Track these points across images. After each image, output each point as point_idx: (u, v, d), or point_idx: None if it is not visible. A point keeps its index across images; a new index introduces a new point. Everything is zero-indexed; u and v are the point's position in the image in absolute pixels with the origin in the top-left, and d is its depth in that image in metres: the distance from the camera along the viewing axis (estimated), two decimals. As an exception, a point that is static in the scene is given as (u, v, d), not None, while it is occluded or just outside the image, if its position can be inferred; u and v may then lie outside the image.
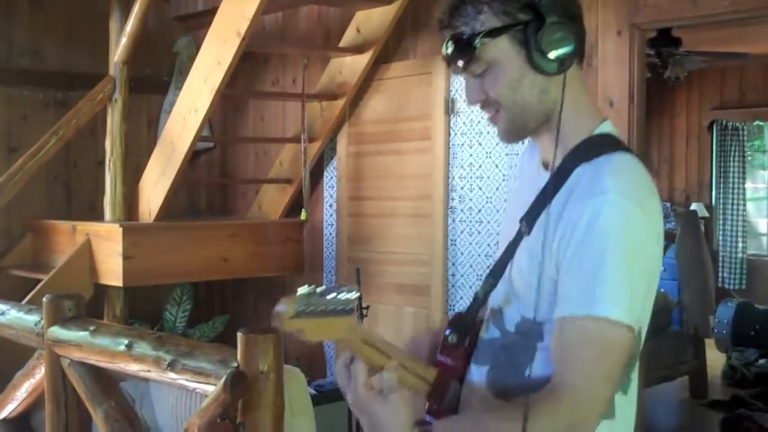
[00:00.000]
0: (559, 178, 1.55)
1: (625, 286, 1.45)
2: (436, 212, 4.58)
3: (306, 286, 1.33)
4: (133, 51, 4.62)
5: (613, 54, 3.97)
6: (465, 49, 1.54)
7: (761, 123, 9.00)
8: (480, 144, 4.42)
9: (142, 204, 4.73)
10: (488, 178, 4.40)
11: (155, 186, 4.66)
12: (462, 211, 4.51)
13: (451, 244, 4.55)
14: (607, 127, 1.62)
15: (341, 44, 4.92)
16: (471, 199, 4.47)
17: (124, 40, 4.57)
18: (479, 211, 4.44)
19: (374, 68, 4.87)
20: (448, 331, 1.68)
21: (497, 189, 4.36)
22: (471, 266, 4.47)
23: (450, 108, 4.52)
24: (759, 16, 4.04)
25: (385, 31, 4.68)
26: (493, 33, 1.52)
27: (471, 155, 4.46)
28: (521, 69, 1.54)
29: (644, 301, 1.51)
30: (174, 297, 5.48)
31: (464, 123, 4.49)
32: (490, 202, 4.39)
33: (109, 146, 4.71)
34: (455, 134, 4.53)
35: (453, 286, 4.55)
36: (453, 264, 4.55)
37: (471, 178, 4.47)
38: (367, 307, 4.24)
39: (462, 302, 4.50)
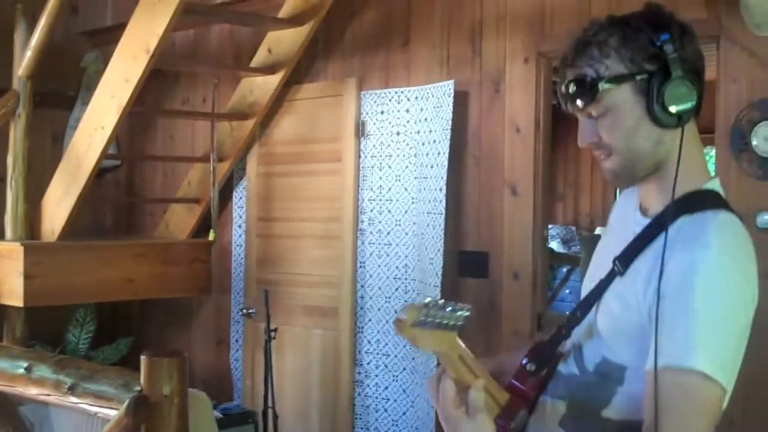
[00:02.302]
0: (658, 224, 1.54)
1: (721, 344, 1.43)
2: (346, 234, 4.59)
3: (430, 297, 1.35)
4: (39, 65, 4.51)
5: (520, 81, 4.05)
6: (587, 92, 1.54)
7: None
8: (390, 167, 4.45)
9: (44, 222, 4.62)
10: (397, 200, 4.43)
11: (59, 204, 4.55)
12: (371, 233, 4.53)
13: (360, 266, 4.57)
14: (715, 185, 1.60)
15: (252, 64, 4.91)
16: (380, 222, 4.50)
17: (29, 53, 4.47)
18: (388, 233, 4.46)
19: (285, 89, 4.86)
20: (525, 360, 1.67)
21: (406, 212, 4.39)
22: (380, 288, 4.49)
23: (360, 130, 4.55)
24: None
25: (297, 52, 4.69)
26: (617, 79, 1.52)
27: (380, 178, 4.49)
28: (639, 118, 1.54)
29: (735, 364, 1.47)
30: (77, 318, 5.37)
31: (374, 146, 4.51)
32: (399, 224, 4.42)
33: (11, 162, 4.58)
34: (365, 157, 4.55)
35: (361, 308, 4.56)
36: (362, 286, 4.56)
37: (380, 200, 4.50)
38: (275, 330, 4.22)
39: (371, 324, 4.51)
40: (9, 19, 4.61)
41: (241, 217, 5.21)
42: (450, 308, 1.35)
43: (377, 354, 4.50)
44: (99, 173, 4.79)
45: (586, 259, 6.63)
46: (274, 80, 4.79)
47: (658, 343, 1.43)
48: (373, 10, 4.62)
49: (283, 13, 4.65)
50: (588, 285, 1.68)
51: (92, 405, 2.55)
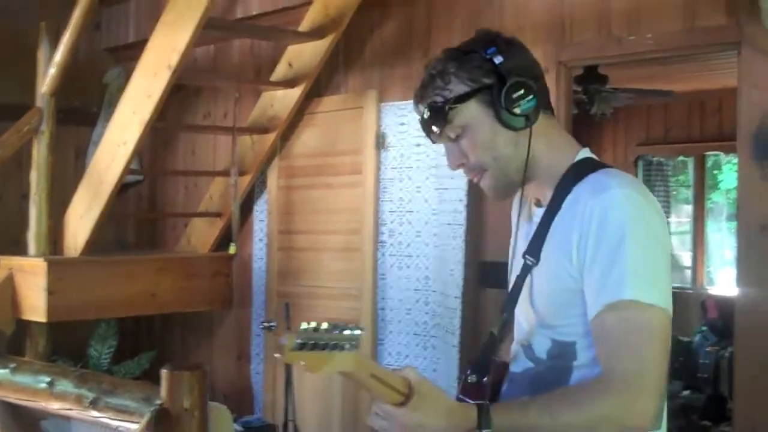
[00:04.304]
0: (555, 203, 1.68)
1: (648, 268, 1.53)
2: (366, 246, 4.59)
3: (309, 323, 1.35)
4: (62, 82, 4.55)
5: (541, 91, 4.03)
6: (438, 116, 1.68)
7: (685, 158, 9.20)
8: (410, 179, 4.45)
9: (67, 238, 4.64)
10: (418, 212, 4.42)
11: (81, 219, 4.58)
12: (392, 245, 4.52)
13: (381, 279, 4.56)
14: (585, 153, 1.74)
15: (273, 78, 4.92)
16: (400, 233, 4.49)
17: (52, 70, 4.50)
18: (408, 245, 4.45)
19: (305, 102, 4.88)
20: (468, 371, 1.74)
21: (426, 223, 4.38)
22: (400, 300, 4.48)
23: (380, 142, 4.55)
24: (681, 54, 4.16)
25: (317, 66, 4.70)
26: (462, 98, 1.67)
27: (401, 190, 4.49)
28: (493, 128, 1.67)
29: (667, 284, 1.58)
30: (99, 333, 5.39)
31: (394, 158, 4.51)
32: (420, 236, 4.41)
33: (34, 178, 4.61)
34: (385, 169, 4.55)
35: (382, 320, 4.55)
36: (383, 298, 4.55)
37: (401, 212, 4.49)
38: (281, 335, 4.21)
39: (392, 336, 4.50)
40: (33, 38, 4.65)
41: (262, 230, 5.22)
42: (338, 330, 1.34)
43: (398, 365, 4.48)
44: (121, 188, 4.82)
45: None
46: (294, 93, 4.80)
47: (592, 290, 1.54)
48: (394, 22, 4.62)
49: (303, 27, 4.66)
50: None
51: (113, 419, 2.55)
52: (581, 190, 1.63)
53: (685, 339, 7.82)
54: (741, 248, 3.43)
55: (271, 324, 4.45)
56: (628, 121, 9.02)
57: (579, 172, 1.67)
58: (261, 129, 4.99)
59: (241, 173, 4.99)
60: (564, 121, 4.02)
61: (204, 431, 2.38)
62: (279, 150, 5.06)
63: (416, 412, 1.46)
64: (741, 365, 3.41)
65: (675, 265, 9.14)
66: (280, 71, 4.89)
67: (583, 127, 7.68)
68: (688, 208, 9.39)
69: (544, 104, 1.70)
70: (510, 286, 1.76)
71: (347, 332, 1.35)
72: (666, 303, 1.53)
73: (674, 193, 9.35)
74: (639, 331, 1.50)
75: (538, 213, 1.73)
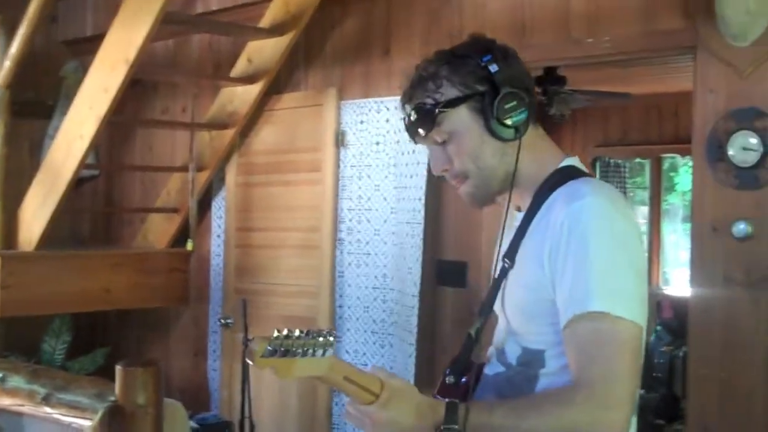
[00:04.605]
0: (533, 208, 1.67)
1: (618, 280, 1.51)
2: (325, 244, 4.58)
3: (280, 329, 1.37)
4: (17, 74, 4.49)
5: (500, 91, 4.04)
6: (426, 118, 1.66)
7: (642, 160, 9.30)
8: (369, 176, 4.45)
9: (22, 232, 4.58)
10: (377, 210, 4.43)
11: (36, 213, 4.52)
12: (350, 243, 4.52)
13: (339, 276, 4.56)
14: (570, 161, 1.73)
15: (232, 74, 4.90)
16: (359, 231, 4.49)
17: (7, 63, 4.44)
18: (367, 243, 4.46)
19: (265, 99, 4.86)
20: (447, 371, 1.75)
21: (385, 221, 4.39)
22: (358, 298, 4.48)
23: (340, 140, 4.55)
24: (639, 58, 4.20)
25: (277, 62, 4.68)
26: (452, 103, 1.65)
27: (360, 188, 4.49)
28: (481, 137, 1.66)
29: (640, 297, 1.54)
30: (53, 328, 5.33)
31: (354, 155, 4.51)
32: (378, 234, 4.41)
33: (-12, 171, 4.56)
34: (345, 166, 4.55)
35: (340, 317, 4.55)
36: (340, 296, 4.55)
37: (360, 210, 4.49)
38: (252, 339, 4.19)
39: (349, 334, 4.50)
40: (-13, 28, 4.60)
41: (220, 227, 5.19)
42: (311, 336, 1.37)
43: (356, 363, 4.46)
44: (77, 183, 4.77)
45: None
46: (254, 90, 4.78)
47: (563, 300, 1.53)
48: (354, 20, 4.62)
49: (263, 23, 4.64)
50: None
51: (66, 415, 2.53)
52: (558, 197, 1.63)
53: (641, 340, 7.91)
54: (694, 249, 3.47)
55: (228, 321, 4.43)
56: (586, 123, 9.10)
57: (559, 179, 1.67)
58: (220, 125, 4.96)
59: (199, 169, 4.96)
60: (522, 121, 4.04)
61: (159, 428, 2.37)
62: (238, 146, 5.04)
63: (386, 408, 1.48)
64: (694, 365, 3.46)
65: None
66: (239, 67, 4.86)
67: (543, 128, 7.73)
68: (645, 210, 9.49)
69: (533, 117, 1.69)
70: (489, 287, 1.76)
71: (321, 338, 1.38)
72: (635, 315, 1.51)
73: (631, 194, 9.45)
74: (608, 343, 1.48)
75: (518, 217, 1.73)
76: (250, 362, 1.37)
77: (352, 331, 4.51)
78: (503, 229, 1.80)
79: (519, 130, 1.65)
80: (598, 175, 9.13)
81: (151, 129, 5.70)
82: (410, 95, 1.70)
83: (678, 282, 9.29)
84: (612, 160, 9.10)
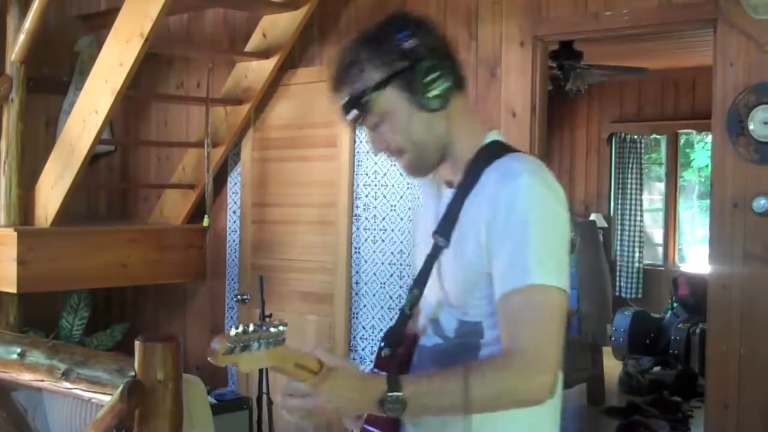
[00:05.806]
0: (466, 186, 1.71)
1: (551, 254, 1.61)
2: (341, 220, 4.57)
3: (236, 326, 1.41)
4: (32, 49, 4.48)
5: (516, 65, 4.03)
6: (357, 105, 1.69)
7: (658, 136, 9.25)
8: (385, 152, 4.42)
9: (38, 208, 4.59)
10: (392, 186, 4.41)
11: (52, 189, 4.52)
12: (366, 218, 4.51)
13: (355, 252, 4.55)
14: (493, 136, 1.79)
15: (247, 48, 4.87)
16: (375, 207, 4.48)
17: (21, 37, 4.43)
18: (383, 219, 4.44)
19: (280, 74, 4.84)
20: (382, 344, 1.80)
21: (401, 197, 4.37)
22: (374, 274, 4.48)
23: (356, 115, 4.52)
24: (656, 32, 4.17)
25: (291, 37, 4.66)
26: (379, 86, 1.68)
27: (376, 163, 4.47)
28: (410, 112, 1.69)
29: (565, 266, 1.65)
30: (71, 304, 5.34)
31: (370, 131, 4.48)
32: (394, 210, 4.40)
33: (4, 147, 4.56)
34: (360, 142, 4.53)
35: (356, 294, 4.55)
36: (357, 272, 4.55)
37: (375, 186, 4.48)
38: (269, 316, 4.21)
39: (365, 310, 4.51)
40: (1, 4, 4.58)
41: (235, 202, 5.19)
42: (263, 329, 1.42)
43: (372, 340, 4.49)
44: (93, 159, 4.76)
45: (582, 245, 6.63)
46: (268, 65, 4.76)
47: (500, 274, 1.62)
48: (369, -6, 4.58)
49: (277, -3, 4.61)
50: (417, 264, 1.82)
51: (86, 390, 2.54)
52: (491, 175, 1.67)
53: (656, 316, 7.90)
54: (713, 225, 3.45)
55: (245, 297, 4.43)
56: (602, 98, 9.05)
57: (488, 156, 1.72)
58: (235, 100, 4.95)
59: (215, 145, 4.95)
60: (540, 96, 4.02)
61: (178, 403, 2.38)
62: (253, 122, 5.03)
63: (325, 381, 1.52)
64: (713, 341, 3.44)
65: (647, 242, 9.21)
66: (254, 42, 4.84)
67: (557, 104, 7.70)
68: (661, 186, 9.45)
69: (458, 84, 1.73)
70: (420, 263, 1.79)
71: (273, 329, 1.43)
72: (563, 283, 1.61)
73: (646, 170, 9.40)
74: (539, 311, 1.58)
75: (448, 194, 1.76)
76: (213, 362, 1.40)
77: (369, 307, 4.50)
78: (427, 198, 1.89)
79: (445, 100, 1.70)
80: (613, 152, 9.09)
81: (166, 104, 5.68)
82: (338, 84, 1.73)
83: (694, 259, 9.26)
84: (628, 136, 9.04)
